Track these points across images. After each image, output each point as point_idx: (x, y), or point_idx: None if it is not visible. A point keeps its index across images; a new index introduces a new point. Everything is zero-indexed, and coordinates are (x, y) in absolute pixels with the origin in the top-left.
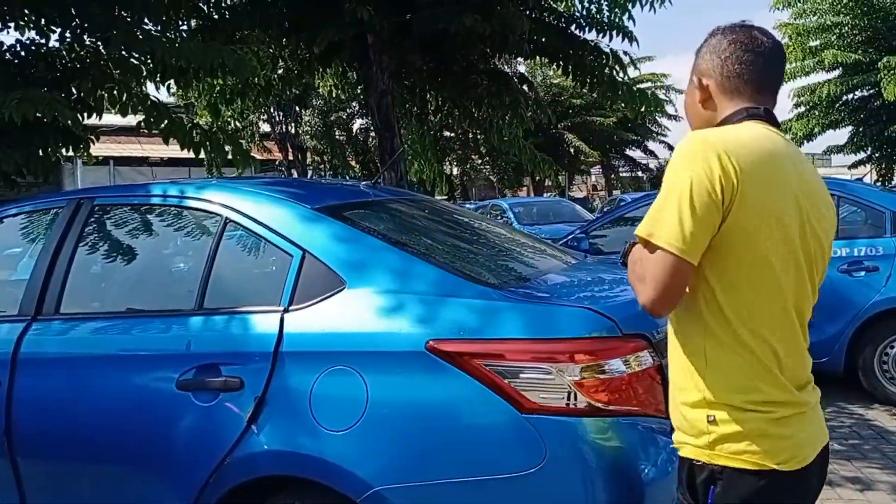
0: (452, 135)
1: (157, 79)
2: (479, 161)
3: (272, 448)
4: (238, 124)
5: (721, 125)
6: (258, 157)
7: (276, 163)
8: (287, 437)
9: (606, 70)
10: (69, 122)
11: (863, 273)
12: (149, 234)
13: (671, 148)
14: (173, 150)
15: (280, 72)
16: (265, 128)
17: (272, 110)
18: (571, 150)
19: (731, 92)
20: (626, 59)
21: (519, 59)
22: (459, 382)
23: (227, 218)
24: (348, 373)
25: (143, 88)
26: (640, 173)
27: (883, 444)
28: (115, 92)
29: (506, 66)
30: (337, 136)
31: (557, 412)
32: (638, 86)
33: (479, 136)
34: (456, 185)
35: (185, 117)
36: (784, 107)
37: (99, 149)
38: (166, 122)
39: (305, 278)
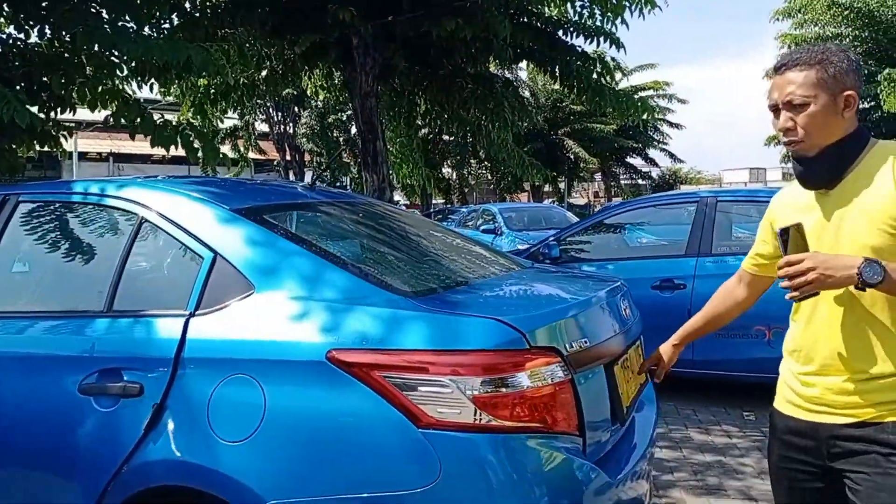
0: (451, 139)
1: (139, 78)
2: (478, 165)
3: (167, 458)
4: (221, 124)
5: (850, 138)
6: (254, 157)
7: (274, 163)
8: (183, 447)
9: (594, 76)
10: (27, 122)
11: None
12: (68, 232)
13: (672, 156)
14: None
15: (265, 72)
16: (264, 128)
17: (271, 110)
18: (571, 157)
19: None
20: (615, 66)
21: (519, 64)
22: (359, 394)
23: (142, 217)
24: (248, 382)
25: (124, 85)
26: (640, 181)
27: None
28: (86, 88)
29: (507, 72)
30: (334, 138)
31: (454, 427)
32: (640, 93)
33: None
34: (454, 189)
35: (160, 114)
36: None
37: (101, 145)
38: (137, 117)
39: (214, 282)
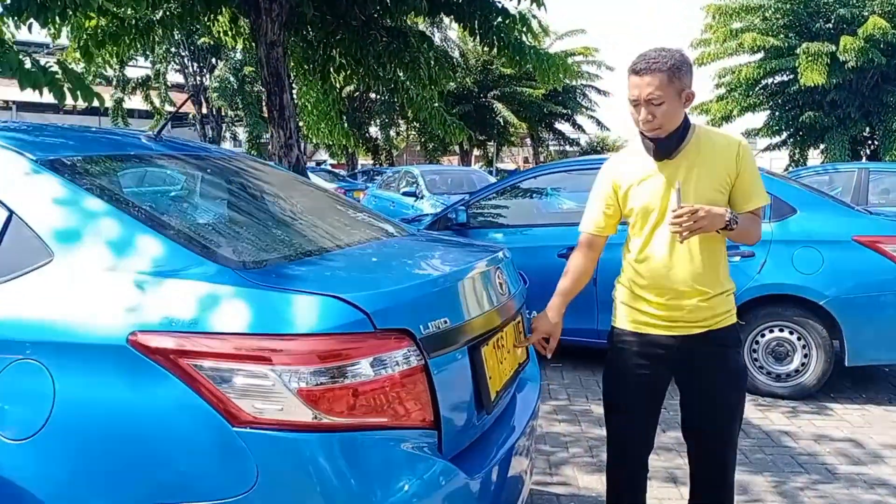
0: (378, 97)
1: (16, 17)
2: (406, 126)
3: None
4: (110, 69)
5: (684, 122)
6: (171, 110)
7: (190, 116)
8: None
9: (516, 34)
10: None
11: (738, 259)
12: None
13: (600, 123)
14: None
15: (160, 14)
16: (179, 79)
17: (186, 60)
18: (500, 121)
19: None
20: (540, 26)
21: (438, 17)
22: (164, 386)
23: None
24: (34, 369)
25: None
26: (569, 147)
27: (742, 436)
28: None
29: (436, 31)
30: (252, 91)
31: (276, 426)
32: (569, 59)
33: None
34: (382, 149)
35: (26, 54)
36: (706, 87)
37: (4, 92)
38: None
39: (6, 248)
